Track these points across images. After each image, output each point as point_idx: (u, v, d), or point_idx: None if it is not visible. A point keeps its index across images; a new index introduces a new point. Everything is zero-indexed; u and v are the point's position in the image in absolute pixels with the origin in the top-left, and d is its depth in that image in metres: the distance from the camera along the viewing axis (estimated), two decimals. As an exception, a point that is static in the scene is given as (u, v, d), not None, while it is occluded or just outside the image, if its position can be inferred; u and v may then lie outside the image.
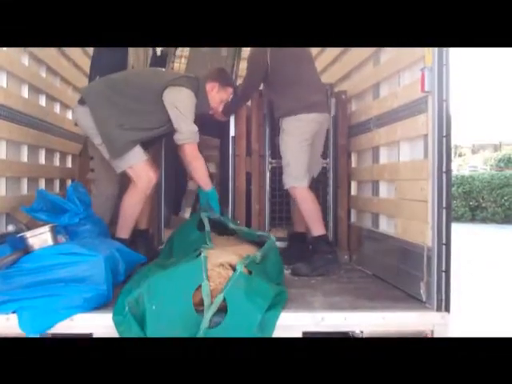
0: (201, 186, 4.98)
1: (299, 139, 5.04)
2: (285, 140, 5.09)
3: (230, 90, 5.08)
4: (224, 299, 3.35)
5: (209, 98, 4.91)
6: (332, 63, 6.63)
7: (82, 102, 4.80)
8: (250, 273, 3.61)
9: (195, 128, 4.75)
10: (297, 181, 5.01)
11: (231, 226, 4.78)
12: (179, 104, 4.70)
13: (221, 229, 4.79)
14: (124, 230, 4.81)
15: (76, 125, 5.26)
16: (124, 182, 5.00)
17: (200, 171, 4.92)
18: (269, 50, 5.01)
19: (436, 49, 3.72)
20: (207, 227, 4.56)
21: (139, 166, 4.74)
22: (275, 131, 5.49)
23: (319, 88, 5.32)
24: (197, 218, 4.90)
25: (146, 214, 5.27)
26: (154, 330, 3.30)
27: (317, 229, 5.04)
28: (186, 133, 4.72)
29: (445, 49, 3.72)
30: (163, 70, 5.32)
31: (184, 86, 4.73)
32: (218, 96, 4.96)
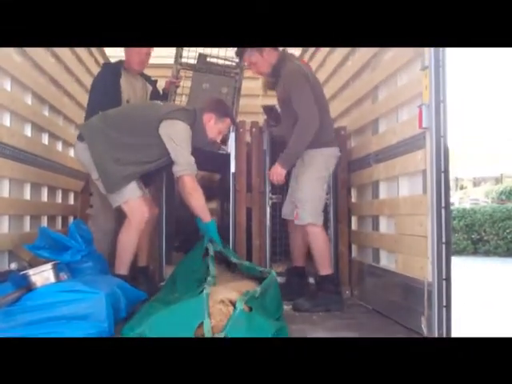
0: (200, 218, 4.96)
1: (320, 174, 4.97)
2: (306, 174, 4.94)
3: (228, 121, 5.08)
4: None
5: (206, 130, 4.93)
6: (331, 99, 6.69)
7: (80, 138, 4.88)
8: (250, 309, 3.62)
9: (192, 159, 4.79)
10: (313, 218, 4.91)
11: (233, 259, 4.78)
12: (175, 137, 4.75)
13: (222, 260, 4.80)
14: (122, 266, 4.82)
15: None
16: (121, 217, 5.03)
17: (199, 202, 4.90)
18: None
19: (433, 85, 3.79)
20: (212, 263, 4.56)
21: (133, 202, 4.78)
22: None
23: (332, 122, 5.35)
24: (200, 248, 4.92)
25: (145, 251, 5.31)
26: None
27: (325, 268, 4.97)
28: (184, 164, 4.76)
29: (441, 85, 3.78)
30: (160, 103, 5.38)
31: (179, 119, 4.79)
32: (215, 127, 4.97)
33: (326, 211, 5.70)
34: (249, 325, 3.45)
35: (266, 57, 4.99)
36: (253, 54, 5.04)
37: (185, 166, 4.76)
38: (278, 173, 4.93)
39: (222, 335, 3.35)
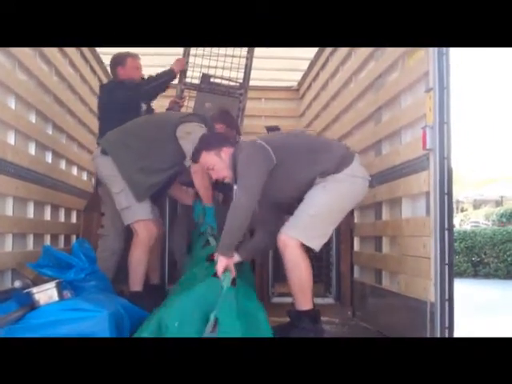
0: (202, 199, 5.01)
1: (346, 197, 4.30)
2: (327, 187, 4.18)
3: (234, 132, 5.25)
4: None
5: None
6: (334, 121, 6.73)
7: (104, 152, 4.99)
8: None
9: None
10: (304, 236, 4.17)
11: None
12: (192, 134, 4.80)
13: None
14: (136, 283, 4.94)
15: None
16: (130, 238, 5.08)
17: (203, 182, 4.91)
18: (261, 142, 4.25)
19: (437, 107, 3.81)
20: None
21: (143, 222, 4.93)
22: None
23: None
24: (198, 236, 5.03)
25: (156, 269, 5.41)
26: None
27: (303, 302, 4.23)
28: None
29: (445, 107, 3.81)
30: (171, 112, 5.67)
31: (195, 121, 4.93)
32: None
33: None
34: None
35: (223, 156, 4.30)
36: (208, 156, 4.32)
37: None
38: (221, 264, 3.99)
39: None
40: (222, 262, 3.99)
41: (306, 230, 4.18)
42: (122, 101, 5.50)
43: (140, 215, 4.91)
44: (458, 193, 34.77)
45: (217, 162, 4.31)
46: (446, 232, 3.79)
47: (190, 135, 4.82)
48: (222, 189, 5.87)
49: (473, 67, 73.03)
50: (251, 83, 6.05)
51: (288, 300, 5.20)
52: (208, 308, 3.45)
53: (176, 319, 3.47)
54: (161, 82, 5.62)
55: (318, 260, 5.83)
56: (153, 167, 4.92)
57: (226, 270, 3.96)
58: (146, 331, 3.50)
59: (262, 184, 4.09)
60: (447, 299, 3.75)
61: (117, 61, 5.84)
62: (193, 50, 5.91)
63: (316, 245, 4.26)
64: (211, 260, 4.26)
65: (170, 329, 3.42)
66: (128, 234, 5.17)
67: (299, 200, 4.27)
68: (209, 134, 4.73)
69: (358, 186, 4.33)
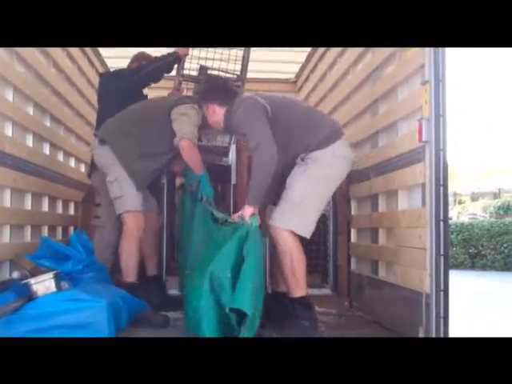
0: (193, 171, 4.92)
1: (324, 176, 4.32)
2: (307, 172, 4.27)
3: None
4: None
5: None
6: (331, 113, 6.72)
7: (102, 141, 4.97)
8: None
9: (196, 133, 4.85)
10: (295, 225, 4.22)
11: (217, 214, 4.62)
12: (185, 115, 4.85)
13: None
14: (128, 274, 4.86)
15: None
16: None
17: (192, 154, 4.84)
18: (259, 98, 4.39)
19: (433, 100, 3.83)
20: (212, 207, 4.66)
21: (133, 213, 4.88)
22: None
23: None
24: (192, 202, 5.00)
25: (152, 260, 5.35)
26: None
27: (298, 289, 4.26)
28: (186, 130, 4.80)
29: (441, 99, 3.82)
30: (165, 96, 5.65)
31: (189, 103, 4.94)
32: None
33: (324, 224, 5.75)
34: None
35: (206, 110, 4.64)
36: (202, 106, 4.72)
37: (186, 130, 4.79)
38: (248, 211, 4.12)
39: None
40: (249, 210, 4.12)
41: (294, 218, 4.24)
42: (123, 87, 5.53)
43: (130, 206, 4.85)
44: (455, 185, 34.83)
45: (205, 113, 4.66)
46: (442, 223, 3.80)
47: (183, 116, 4.84)
48: (221, 181, 5.91)
49: (470, 60, 72.94)
50: (248, 75, 6.04)
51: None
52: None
53: (227, 271, 3.70)
54: (165, 62, 5.66)
55: (315, 251, 5.87)
56: (152, 152, 4.90)
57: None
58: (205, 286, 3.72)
59: (269, 131, 4.20)
60: (442, 290, 3.77)
61: (138, 57, 5.92)
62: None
63: (306, 232, 4.30)
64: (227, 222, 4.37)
65: (223, 280, 3.69)
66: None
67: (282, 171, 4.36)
68: (208, 87, 4.82)
69: (340, 166, 4.42)
